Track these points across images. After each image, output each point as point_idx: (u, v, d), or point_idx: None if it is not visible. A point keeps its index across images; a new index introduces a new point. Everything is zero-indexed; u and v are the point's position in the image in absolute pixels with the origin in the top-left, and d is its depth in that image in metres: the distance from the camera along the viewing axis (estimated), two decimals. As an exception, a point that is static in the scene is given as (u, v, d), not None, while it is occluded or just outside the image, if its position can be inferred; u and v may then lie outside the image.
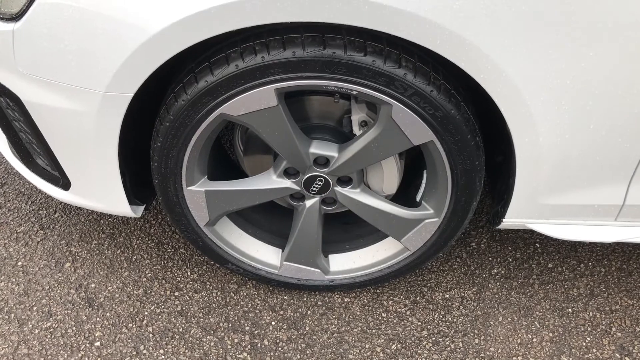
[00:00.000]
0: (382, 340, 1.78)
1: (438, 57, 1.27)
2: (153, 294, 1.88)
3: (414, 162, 1.78)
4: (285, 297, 1.89)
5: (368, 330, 1.81)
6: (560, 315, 1.85)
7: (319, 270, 1.80)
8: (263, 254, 1.84)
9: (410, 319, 1.84)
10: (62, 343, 1.75)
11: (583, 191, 1.50)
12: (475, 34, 1.20)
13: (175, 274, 1.94)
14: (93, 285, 1.90)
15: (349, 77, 1.33)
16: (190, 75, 1.39)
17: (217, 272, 1.95)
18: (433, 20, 1.19)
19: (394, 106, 1.37)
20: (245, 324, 1.81)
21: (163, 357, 1.73)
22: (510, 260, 2.01)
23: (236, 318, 1.83)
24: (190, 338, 1.77)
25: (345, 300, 1.89)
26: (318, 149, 1.54)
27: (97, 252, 2.00)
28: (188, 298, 1.87)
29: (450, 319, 1.84)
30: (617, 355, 1.75)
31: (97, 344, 1.75)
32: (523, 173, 1.45)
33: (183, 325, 1.80)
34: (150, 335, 1.78)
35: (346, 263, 1.84)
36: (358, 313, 1.85)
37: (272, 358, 1.74)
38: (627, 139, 1.38)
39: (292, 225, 1.77)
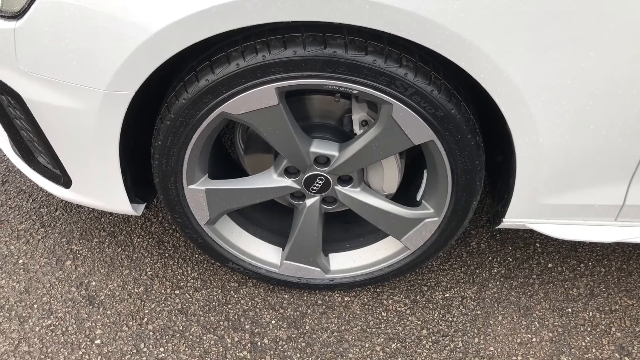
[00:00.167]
0: (382, 339, 1.79)
1: (439, 57, 1.28)
2: (153, 292, 1.89)
3: (415, 161, 1.78)
4: (286, 296, 1.89)
5: (368, 329, 1.81)
6: (560, 315, 1.85)
7: (319, 269, 1.81)
8: (263, 253, 1.84)
9: (410, 318, 1.84)
10: (62, 341, 1.75)
11: (583, 191, 1.50)
12: (475, 33, 1.20)
13: (176, 272, 1.95)
14: (94, 283, 1.90)
15: (350, 77, 1.33)
16: (191, 73, 1.39)
17: (218, 271, 1.95)
18: (434, 20, 1.19)
19: (395, 105, 1.37)
20: (246, 323, 1.82)
21: (163, 355, 1.73)
22: (510, 259, 2.02)
23: (236, 316, 1.83)
24: (191, 336, 1.78)
25: (346, 299, 1.89)
26: (319, 148, 1.54)
27: (98, 250, 2.00)
28: (188, 296, 1.88)
29: (450, 318, 1.84)
30: (617, 355, 1.76)
31: (98, 341, 1.76)
32: (523, 173, 1.45)
33: (183, 323, 1.81)
34: (151, 333, 1.78)
35: (346, 262, 1.85)
36: (358, 312, 1.86)
37: (272, 356, 1.74)
38: (627, 139, 1.38)
39: (293, 224, 1.77)
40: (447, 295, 1.90)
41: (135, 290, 1.89)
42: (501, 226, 1.64)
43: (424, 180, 1.67)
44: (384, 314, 1.85)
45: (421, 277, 1.95)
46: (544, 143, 1.38)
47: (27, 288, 1.88)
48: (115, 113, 1.41)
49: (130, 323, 1.80)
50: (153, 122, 1.53)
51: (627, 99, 1.30)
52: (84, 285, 1.89)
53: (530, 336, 1.80)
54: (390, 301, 1.88)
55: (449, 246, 1.75)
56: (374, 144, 1.48)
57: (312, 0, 1.19)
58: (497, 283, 1.94)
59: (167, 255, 2.00)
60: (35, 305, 1.84)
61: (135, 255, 1.99)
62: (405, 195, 1.77)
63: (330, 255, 1.85)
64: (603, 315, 1.85)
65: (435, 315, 1.85)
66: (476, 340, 1.79)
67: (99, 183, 1.61)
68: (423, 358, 1.74)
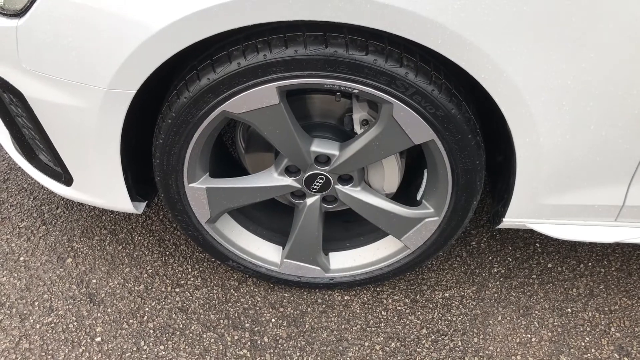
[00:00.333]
0: (382, 339, 1.79)
1: (439, 57, 1.28)
2: (154, 290, 1.89)
3: (415, 161, 1.79)
4: (286, 295, 1.89)
5: (367, 328, 1.81)
6: (559, 315, 1.86)
7: (319, 268, 1.81)
8: (264, 252, 1.84)
9: (409, 317, 1.84)
10: (63, 338, 1.76)
11: (583, 191, 1.50)
12: (475, 33, 1.21)
13: (176, 271, 1.95)
14: (94, 280, 1.91)
15: (351, 76, 1.33)
16: (192, 72, 1.39)
17: (218, 269, 1.96)
18: (434, 19, 1.19)
19: (395, 105, 1.37)
20: (246, 321, 1.82)
21: (163, 352, 1.73)
22: (510, 259, 2.02)
23: (236, 315, 1.83)
24: (191, 334, 1.78)
25: (345, 298, 1.89)
26: (319, 147, 1.54)
27: (99, 248, 2.01)
28: (189, 294, 1.88)
29: (449, 317, 1.84)
30: (616, 355, 1.76)
31: (98, 339, 1.76)
32: (523, 173, 1.46)
33: (183, 321, 1.81)
34: (151, 331, 1.78)
35: (346, 261, 1.85)
36: (358, 311, 1.86)
37: (272, 355, 1.74)
38: (627, 139, 1.38)
39: (293, 223, 1.77)
40: (447, 294, 1.91)
41: (136, 288, 1.89)
42: (501, 226, 1.64)
43: (424, 180, 1.67)
44: (383, 313, 1.86)
45: (421, 277, 1.96)
46: (544, 143, 1.38)
47: (28, 285, 1.89)
48: (116, 111, 1.41)
49: (131, 321, 1.81)
50: (154, 121, 1.53)
51: (627, 99, 1.30)
52: (84, 283, 1.90)
53: (529, 336, 1.80)
54: (390, 300, 1.89)
55: (449, 246, 1.75)
56: (375, 143, 1.48)
57: (313, 0, 1.20)
58: (497, 283, 1.94)
59: (167, 253, 2.00)
60: (36, 303, 1.84)
61: (136, 253, 2.00)
62: (405, 194, 1.77)
63: (331, 254, 1.86)
64: (602, 316, 1.86)
65: (435, 314, 1.85)
66: (475, 339, 1.79)
67: (100, 181, 1.61)
68: (422, 357, 1.74)
